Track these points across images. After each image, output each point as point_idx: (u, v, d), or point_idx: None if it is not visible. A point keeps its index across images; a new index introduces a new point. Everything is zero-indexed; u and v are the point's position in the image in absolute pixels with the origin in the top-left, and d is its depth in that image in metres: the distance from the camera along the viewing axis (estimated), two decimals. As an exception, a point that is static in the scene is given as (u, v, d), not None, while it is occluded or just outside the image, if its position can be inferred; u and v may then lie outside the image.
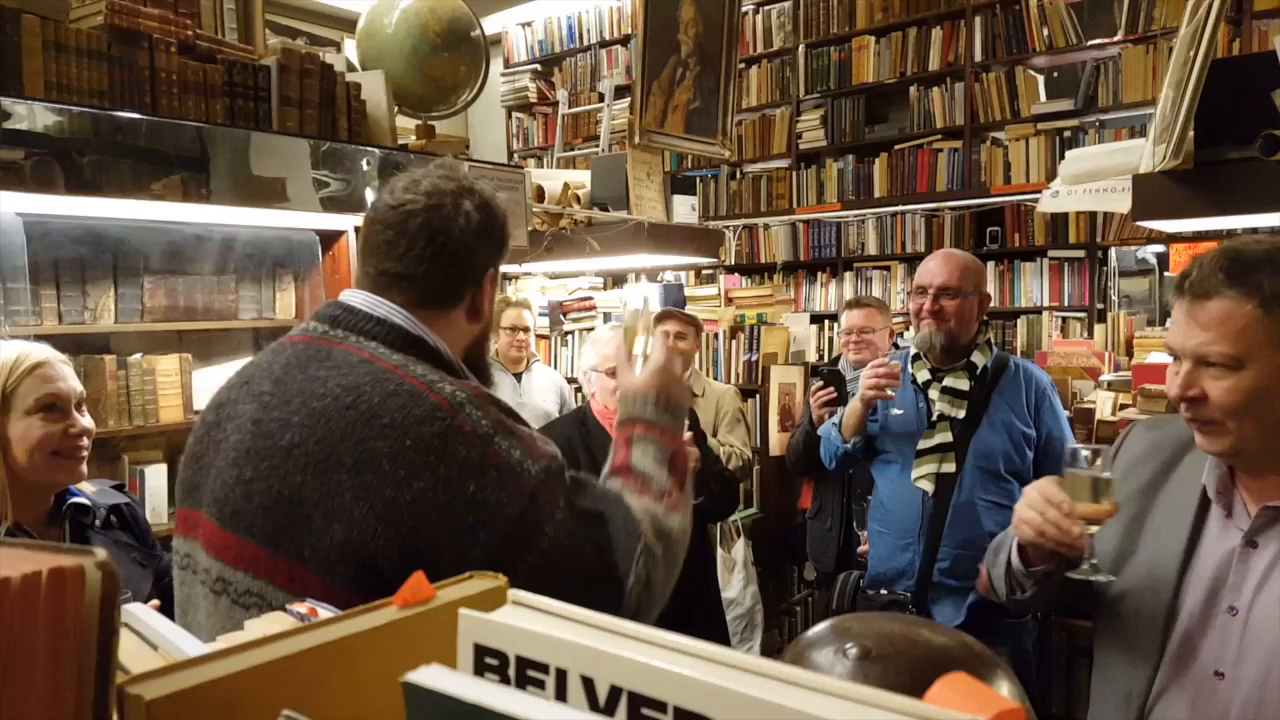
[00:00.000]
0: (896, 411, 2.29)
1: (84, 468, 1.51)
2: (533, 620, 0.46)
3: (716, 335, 3.92)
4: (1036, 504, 1.23)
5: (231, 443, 1.08)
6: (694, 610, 2.44)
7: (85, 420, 1.51)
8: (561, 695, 0.41)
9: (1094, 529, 1.22)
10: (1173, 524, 1.26)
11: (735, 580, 3.23)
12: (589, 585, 1.03)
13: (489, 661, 0.44)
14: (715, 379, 3.83)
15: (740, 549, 3.25)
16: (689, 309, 4.01)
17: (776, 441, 3.61)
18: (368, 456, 0.98)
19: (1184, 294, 1.18)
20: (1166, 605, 1.23)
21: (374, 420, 1.00)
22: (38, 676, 0.43)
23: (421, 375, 1.05)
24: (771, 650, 3.32)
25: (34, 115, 1.80)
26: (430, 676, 0.36)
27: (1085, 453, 1.25)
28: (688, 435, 2.30)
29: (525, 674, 0.42)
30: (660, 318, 3.40)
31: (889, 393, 2.23)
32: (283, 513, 1.00)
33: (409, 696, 0.36)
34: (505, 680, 0.43)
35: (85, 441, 1.50)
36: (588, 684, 0.40)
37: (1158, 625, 1.23)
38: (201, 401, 2.63)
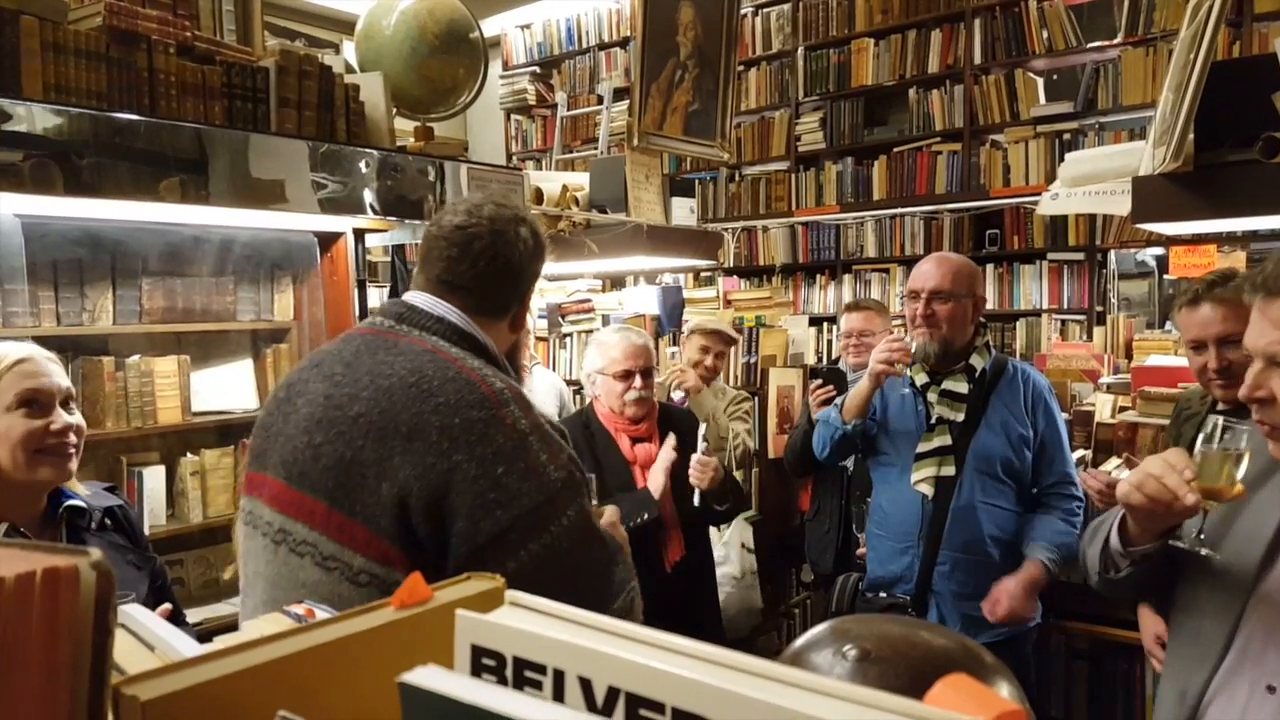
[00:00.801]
0: (904, 391, 2.29)
1: (72, 465, 1.48)
2: (530, 621, 0.45)
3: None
4: (1154, 467, 1.17)
5: (303, 414, 1.22)
6: (700, 615, 2.43)
7: (71, 417, 1.48)
8: (559, 696, 0.41)
9: (1212, 504, 1.18)
10: (1258, 529, 1.21)
11: (718, 551, 3.15)
12: (580, 591, 1.16)
13: (486, 662, 0.43)
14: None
15: (733, 531, 3.17)
16: (687, 311, 4.01)
17: (775, 444, 3.61)
18: (420, 427, 1.13)
19: (1257, 290, 1.13)
20: (1236, 611, 1.19)
21: (431, 398, 1.15)
22: (32, 676, 0.43)
23: (477, 368, 1.21)
24: (769, 652, 3.29)
25: (33, 116, 1.80)
26: (426, 677, 0.36)
27: (1221, 427, 1.19)
28: (703, 445, 2.32)
29: (523, 675, 0.42)
30: (707, 333, 3.33)
31: (899, 368, 2.23)
32: (343, 471, 1.15)
33: (405, 697, 0.36)
34: (503, 681, 0.42)
35: (72, 439, 1.47)
36: (585, 685, 0.40)
37: (1223, 630, 1.19)
38: (200, 403, 2.63)
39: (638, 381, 2.38)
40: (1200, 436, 1.21)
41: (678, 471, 2.37)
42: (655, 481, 2.32)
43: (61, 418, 1.46)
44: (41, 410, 1.44)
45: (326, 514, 1.15)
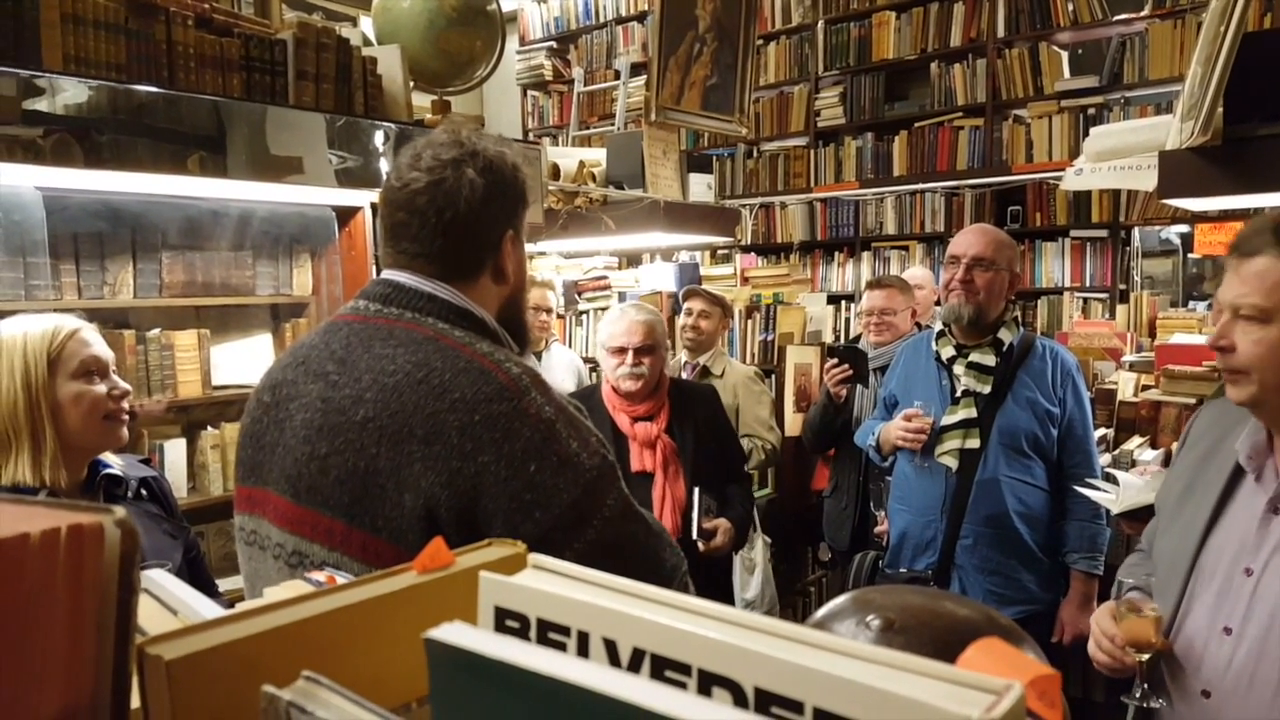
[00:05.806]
0: (930, 363, 2.35)
1: (125, 431, 1.53)
2: (553, 583, 0.45)
3: (732, 315, 3.90)
4: (1096, 635, 1.38)
5: (299, 421, 1.10)
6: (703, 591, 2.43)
7: (124, 383, 1.53)
8: (584, 657, 0.40)
9: (1145, 656, 1.30)
10: (1208, 488, 1.34)
11: (754, 582, 3.13)
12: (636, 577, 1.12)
13: (510, 624, 0.43)
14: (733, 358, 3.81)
15: (760, 549, 3.17)
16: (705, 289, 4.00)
17: (792, 422, 3.60)
18: (438, 428, 1.02)
19: (1233, 252, 1.26)
20: (1188, 563, 1.32)
21: (445, 395, 1.03)
22: (58, 632, 0.43)
23: (488, 353, 1.08)
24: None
25: (53, 88, 1.80)
26: (452, 633, 0.35)
27: (1133, 594, 1.41)
28: (700, 514, 2.32)
29: (547, 636, 0.42)
30: (686, 295, 3.38)
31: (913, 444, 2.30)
32: (358, 484, 1.04)
33: (431, 653, 0.36)
34: (527, 642, 0.42)
35: (126, 404, 1.52)
36: (610, 646, 0.40)
37: (1178, 581, 1.33)
38: (220, 377, 2.64)
39: (629, 358, 2.38)
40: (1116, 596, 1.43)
41: (679, 443, 2.38)
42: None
43: (120, 383, 1.51)
44: (102, 377, 1.49)
45: (346, 532, 1.04)
